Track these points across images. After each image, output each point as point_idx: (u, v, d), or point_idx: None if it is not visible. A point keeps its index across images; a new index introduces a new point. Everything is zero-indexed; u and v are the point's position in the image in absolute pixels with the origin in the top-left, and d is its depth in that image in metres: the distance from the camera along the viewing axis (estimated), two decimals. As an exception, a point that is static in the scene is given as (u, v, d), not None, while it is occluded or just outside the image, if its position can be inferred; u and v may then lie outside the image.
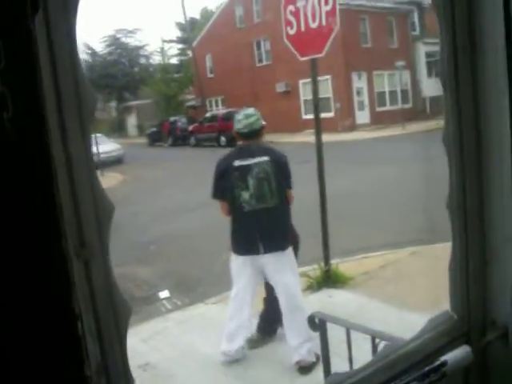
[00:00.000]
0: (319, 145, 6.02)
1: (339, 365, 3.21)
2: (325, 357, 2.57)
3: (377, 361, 1.33)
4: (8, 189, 0.54)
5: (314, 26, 5.36)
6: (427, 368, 1.30)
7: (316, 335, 4.35)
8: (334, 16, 5.25)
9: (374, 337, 2.24)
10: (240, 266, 4.33)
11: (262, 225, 4.14)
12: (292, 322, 4.27)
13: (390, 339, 2.18)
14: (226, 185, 4.18)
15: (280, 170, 4.13)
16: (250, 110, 4.33)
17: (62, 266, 0.58)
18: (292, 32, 5.64)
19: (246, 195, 4.10)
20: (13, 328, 0.55)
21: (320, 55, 5.57)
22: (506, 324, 1.48)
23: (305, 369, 4.23)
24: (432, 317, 1.48)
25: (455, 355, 1.36)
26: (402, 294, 5.74)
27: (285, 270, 4.20)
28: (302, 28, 5.49)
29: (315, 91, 5.94)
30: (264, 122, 4.35)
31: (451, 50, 1.41)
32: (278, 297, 4.31)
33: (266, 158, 4.11)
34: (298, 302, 4.28)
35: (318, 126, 6.01)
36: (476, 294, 1.50)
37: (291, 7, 5.56)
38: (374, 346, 2.25)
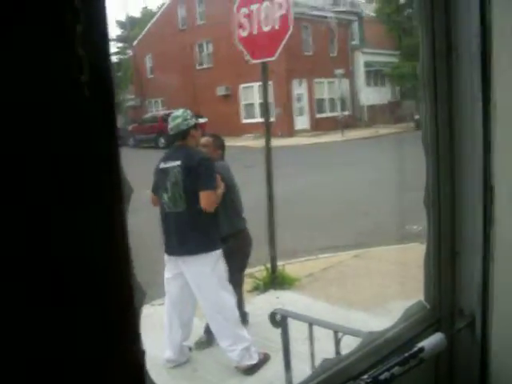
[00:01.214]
0: (268, 148, 6.09)
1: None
2: (286, 353, 2.62)
3: (360, 348, 1.39)
4: (82, 157, 0.55)
5: (266, 29, 5.44)
6: (407, 354, 1.37)
7: (256, 335, 4.46)
8: (287, 21, 5.35)
9: (337, 331, 2.31)
10: (168, 267, 4.35)
11: (176, 228, 4.17)
12: (214, 325, 4.31)
13: (352, 332, 2.25)
14: (155, 184, 4.35)
15: (191, 174, 4.08)
16: (178, 112, 4.37)
17: (123, 232, 0.58)
18: (244, 34, 5.69)
19: (165, 197, 4.19)
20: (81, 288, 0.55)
21: (272, 58, 5.65)
22: (473, 313, 1.58)
23: (247, 371, 4.25)
24: (407, 307, 1.55)
25: (430, 342, 1.43)
26: (345, 294, 5.90)
27: (202, 274, 4.16)
28: (255, 31, 5.55)
29: (265, 94, 6.01)
30: (196, 121, 4.36)
31: (430, 54, 1.49)
32: (198, 301, 4.33)
33: (177, 163, 4.13)
34: (218, 306, 4.24)
35: (268, 129, 6.09)
36: (446, 284, 1.59)
37: (244, 9, 5.61)
38: (337, 340, 2.31)
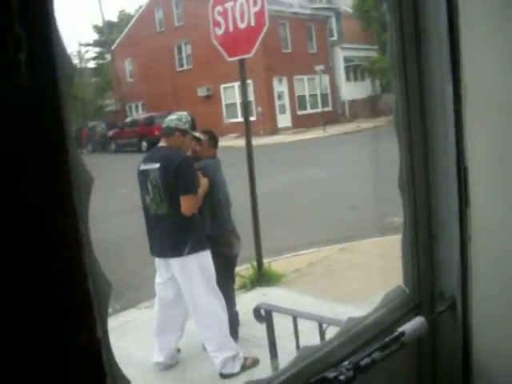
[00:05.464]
0: (249, 146, 6.07)
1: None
2: (272, 348, 2.60)
3: (340, 335, 1.38)
4: (19, 134, 0.52)
5: (242, 26, 5.42)
6: (387, 339, 1.36)
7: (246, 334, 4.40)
8: (262, 17, 5.34)
9: (322, 322, 2.30)
10: (160, 271, 4.30)
11: (160, 229, 4.11)
12: (200, 328, 4.26)
13: (336, 323, 2.24)
14: (139, 186, 4.25)
15: (170, 177, 3.99)
16: (181, 113, 4.32)
17: (74, 222, 0.56)
18: (220, 32, 5.67)
19: (148, 199, 4.12)
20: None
21: (249, 55, 5.64)
22: (454, 295, 1.58)
23: (226, 378, 4.19)
24: (387, 291, 1.55)
25: (411, 326, 1.43)
26: (333, 288, 5.90)
27: (189, 276, 4.11)
28: (231, 28, 5.54)
29: (244, 92, 6.00)
30: (187, 128, 4.17)
31: (399, 38, 1.48)
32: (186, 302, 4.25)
33: (157, 165, 4.04)
34: (205, 309, 4.16)
35: (248, 127, 6.07)
36: (425, 267, 1.59)
37: (219, 8, 5.59)
38: (322, 331, 2.31)
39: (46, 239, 0.56)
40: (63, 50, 0.58)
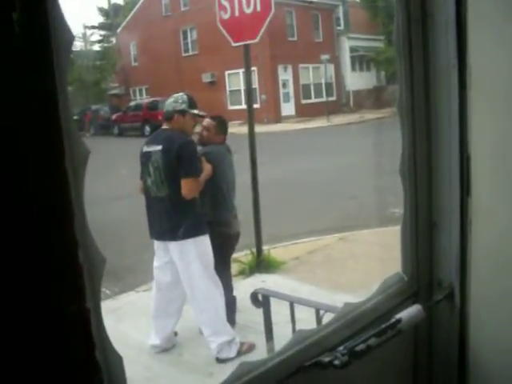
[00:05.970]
0: (252, 133, 6.04)
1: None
2: (268, 333, 2.61)
3: (336, 320, 1.37)
4: (13, 97, 0.51)
5: (248, 11, 5.38)
6: (384, 325, 1.35)
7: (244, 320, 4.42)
8: (268, 3, 5.29)
9: (318, 309, 2.30)
10: (158, 255, 4.30)
11: (160, 212, 4.11)
12: (197, 311, 4.28)
13: (333, 309, 2.24)
14: (141, 168, 4.26)
15: (172, 159, 3.97)
16: (177, 94, 4.28)
17: (65, 192, 0.55)
18: (226, 17, 5.62)
19: (149, 181, 4.12)
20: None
21: (254, 41, 5.59)
22: (452, 284, 1.57)
23: (222, 362, 4.19)
24: (385, 278, 1.54)
25: (408, 313, 1.42)
26: (332, 276, 5.91)
27: (186, 259, 4.11)
28: (236, 13, 5.49)
29: (248, 79, 5.96)
30: (185, 108, 4.15)
31: (405, 23, 1.46)
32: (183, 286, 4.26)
33: (159, 148, 4.03)
34: (202, 293, 4.18)
35: (251, 114, 6.03)
36: (424, 255, 1.58)
37: (225, -8, 5.54)
38: (319, 318, 2.30)
39: (33, 206, 0.54)
40: (60, 12, 0.56)
